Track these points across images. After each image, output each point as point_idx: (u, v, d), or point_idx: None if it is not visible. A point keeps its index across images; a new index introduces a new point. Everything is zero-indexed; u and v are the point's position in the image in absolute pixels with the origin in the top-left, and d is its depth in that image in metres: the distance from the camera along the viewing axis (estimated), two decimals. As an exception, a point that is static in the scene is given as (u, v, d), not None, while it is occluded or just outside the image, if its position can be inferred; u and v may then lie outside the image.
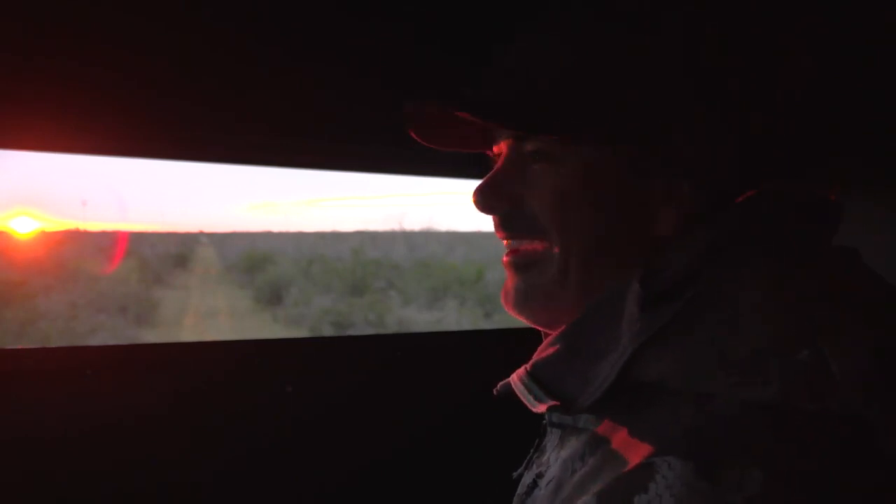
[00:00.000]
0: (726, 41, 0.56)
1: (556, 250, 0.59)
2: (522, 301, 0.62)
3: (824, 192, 0.60)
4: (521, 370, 0.62)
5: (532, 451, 0.74)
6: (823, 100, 1.11)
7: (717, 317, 0.49)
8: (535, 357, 0.61)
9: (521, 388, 0.59)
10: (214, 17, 1.07)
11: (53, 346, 1.19)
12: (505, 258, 0.64)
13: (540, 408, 0.56)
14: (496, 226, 0.64)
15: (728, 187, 0.59)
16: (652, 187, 0.57)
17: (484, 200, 0.63)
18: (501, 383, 0.64)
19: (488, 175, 0.63)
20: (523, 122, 0.58)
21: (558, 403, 0.55)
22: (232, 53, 1.10)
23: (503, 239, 0.64)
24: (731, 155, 0.57)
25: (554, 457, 0.64)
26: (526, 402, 0.58)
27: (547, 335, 0.71)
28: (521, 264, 0.62)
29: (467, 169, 1.42)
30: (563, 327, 0.61)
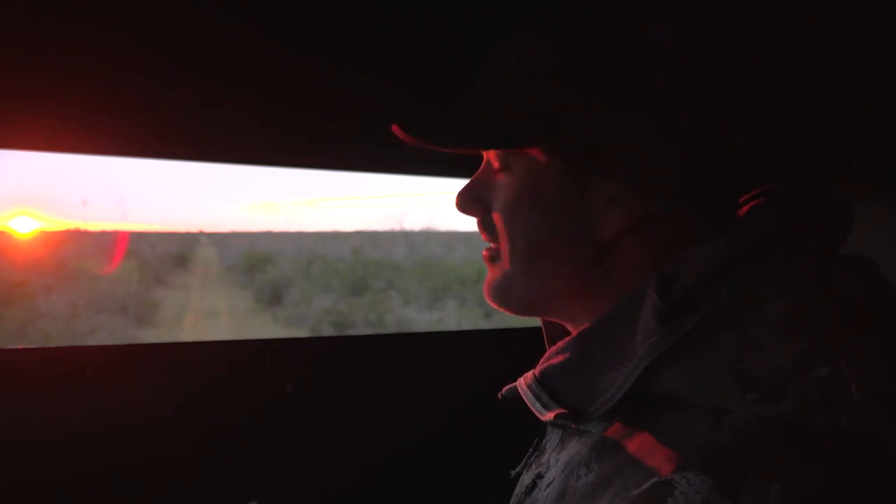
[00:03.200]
0: (696, 46, 0.56)
1: (502, 254, 0.63)
2: (489, 291, 0.66)
3: (828, 193, 0.59)
4: (528, 375, 0.61)
5: (531, 450, 0.73)
6: (822, 100, 1.12)
7: (737, 334, 0.49)
8: (544, 363, 0.61)
9: (529, 394, 0.59)
10: (214, 17, 1.07)
11: (53, 345, 1.19)
12: (483, 252, 0.69)
13: (548, 416, 0.56)
14: (478, 228, 0.69)
15: (714, 192, 0.59)
16: (593, 193, 0.57)
17: (458, 206, 0.68)
18: (507, 387, 0.64)
19: (468, 181, 0.68)
20: (446, 140, 0.62)
21: (566, 411, 0.55)
22: (232, 54, 1.10)
23: (486, 241, 0.69)
24: (704, 158, 0.57)
25: (554, 458, 0.63)
26: (534, 410, 0.58)
27: (550, 339, 0.72)
28: (487, 259, 0.67)
29: (467, 169, 1.42)
30: (573, 334, 0.60)
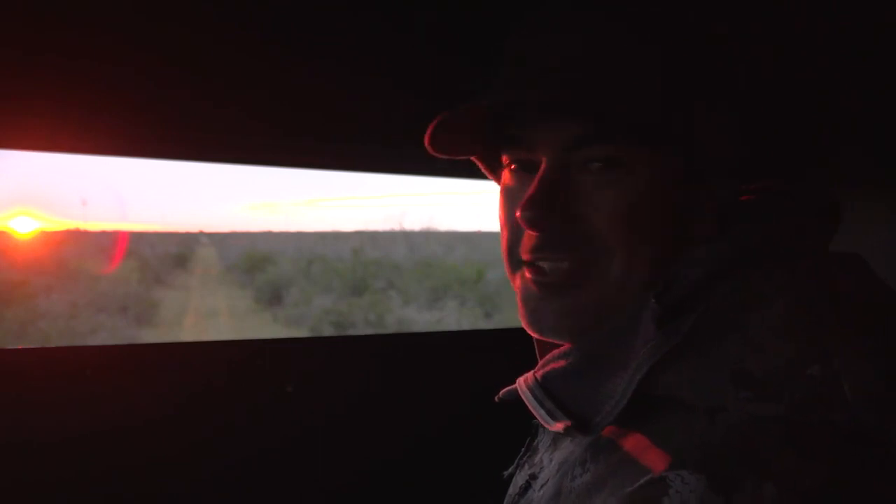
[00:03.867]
0: (735, 42, 0.56)
1: (615, 266, 0.55)
2: (566, 323, 0.57)
3: (827, 193, 0.60)
4: (528, 377, 0.60)
5: (523, 450, 0.73)
6: (825, 99, 1.12)
7: (732, 335, 0.49)
8: (545, 367, 0.60)
9: (532, 399, 0.58)
10: (214, 17, 1.06)
11: (53, 345, 1.19)
12: (533, 276, 0.58)
13: (556, 426, 0.54)
14: (540, 244, 0.57)
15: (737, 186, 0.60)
16: (700, 189, 0.57)
17: (538, 216, 0.55)
18: (506, 389, 0.63)
19: (536, 186, 0.55)
20: (616, 122, 0.53)
21: (572, 424, 0.53)
22: (232, 54, 1.10)
23: (540, 260, 0.57)
24: (743, 154, 0.58)
25: (547, 458, 0.63)
26: (539, 417, 0.57)
27: (541, 346, 0.70)
28: (559, 284, 0.57)
29: (467, 169, 1.42)
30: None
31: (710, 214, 0.57)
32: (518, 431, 0.80)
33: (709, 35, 0.57)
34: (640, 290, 0.54)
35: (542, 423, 0.56)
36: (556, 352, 0.60)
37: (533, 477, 0.64)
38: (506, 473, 0.74)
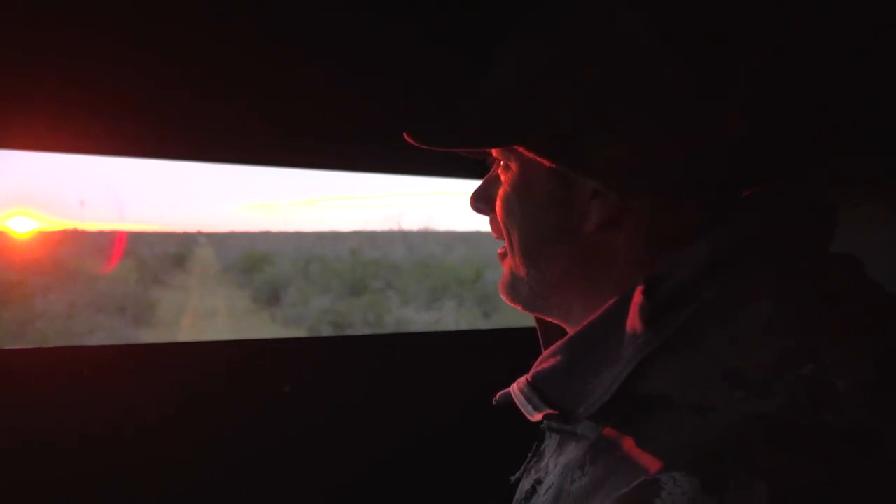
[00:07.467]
0: (668, 46, 0.55)
1: (507, 246, 0.66)
2: (501, 287, 0.69)
3: (823, 193, 0.59)
4: (521, 380, 0.62)
5: (530, 455, 0.73)
6: (822, 100, 1.12)
7: (723, 332, 0.49)
8: (536, 367, 0.61)
9: (521, 398, 0.60)
10: (214, 17, 1.06)
11: (51, 345, 1.19)
12: (498, 251, 0.71)
13: (536, 416, 0.56)
14: (489, 226, 0.71)
15: (711, 190, 0.59)
16: (578, 187, 0.58)
17: (472, 205, 0.71)
18: (501, 393, 0.64)
19: (482, 181, 0.70)
20: (442, 140, 0.64)
21: (555, 412, 0.55)
22: (232, 54, 1.10)
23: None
24: (696, 156, 0.56)
25: (553, 463, 0.63)
26: (524, 412, 0.58)
27: (546, 342, 0.73)
28: (500, 256, 0.70)
29: (466, 169, 1.42)
30: (565, 338, 0.60)
31: (596, 210, 0.58)
32: (518, 432, 0.80)
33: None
34: (533, 270, 0.63)
35: (526, 416, 0.58)
36: (547, 352, 0.61)
37: (538, 482, 0.65)
38: (512, 478, 0.74)
